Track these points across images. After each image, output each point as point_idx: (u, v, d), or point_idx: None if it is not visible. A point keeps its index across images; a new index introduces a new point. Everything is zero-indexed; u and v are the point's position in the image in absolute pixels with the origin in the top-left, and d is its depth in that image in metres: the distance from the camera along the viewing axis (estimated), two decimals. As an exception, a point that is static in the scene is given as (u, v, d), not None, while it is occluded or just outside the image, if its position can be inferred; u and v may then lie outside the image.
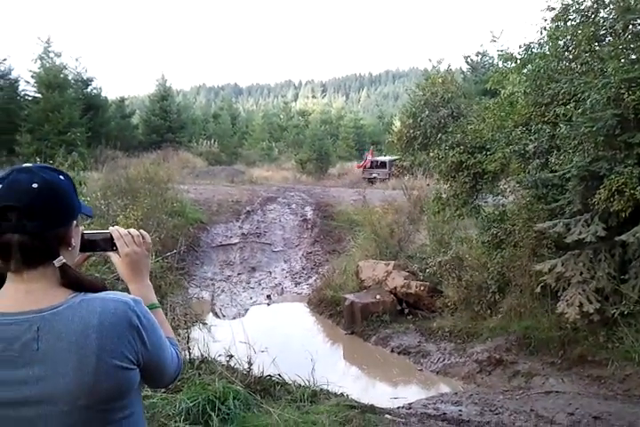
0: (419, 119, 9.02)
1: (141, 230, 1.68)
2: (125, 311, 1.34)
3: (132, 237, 1.63)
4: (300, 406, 4.65)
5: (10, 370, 1.27)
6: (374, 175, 25.28)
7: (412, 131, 9.12)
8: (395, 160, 23.76)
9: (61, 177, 1.39)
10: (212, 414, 4.05)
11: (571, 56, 8.39)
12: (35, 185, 1.31)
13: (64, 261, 1.37)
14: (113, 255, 1.63)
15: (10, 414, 1.29)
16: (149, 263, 1.70)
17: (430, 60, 51.37)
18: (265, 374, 5.14)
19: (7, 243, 1.30)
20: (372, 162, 26.54)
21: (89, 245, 1.55)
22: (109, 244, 1.61)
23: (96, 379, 1.27)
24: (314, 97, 61.86)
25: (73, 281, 1.38)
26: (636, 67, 6.75)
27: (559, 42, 8.36)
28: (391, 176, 23.75)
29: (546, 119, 7.95)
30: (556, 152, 7.41)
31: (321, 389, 5.18)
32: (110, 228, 1.63)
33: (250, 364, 5.14)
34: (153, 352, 1.40)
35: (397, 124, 37.89)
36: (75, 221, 1.43)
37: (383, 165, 25.78)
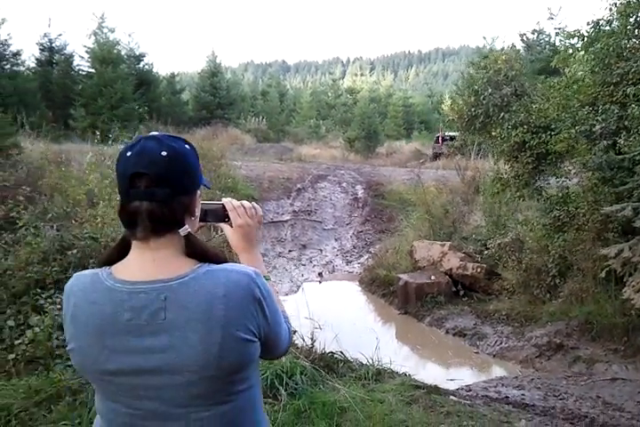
0: (481, 97, 8.80)
1: (253, 203, 1.67)
2: (249, 284, 1.33)
3: (244, 209, 1.63)
4: (365, 384, 4.65)
5: (138, 338, 1.28)
6: (443, 150, 24.47)
7: (473, 109, 8.91)
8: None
9: (187, 146, 1.38)
10: (281, 388, 4.08)
11: (642, 33, 8.06)
12: (164, 153, 1.31)
13: (189, 230, 1.36)
14: (225, 226, 1.64)
15: (135, 382, 1.30)
16: (261, 235, 1.69)
17: (485, 37, 50.12)
18: (327, 351, 5.15)
19: (135, 210, 1.30)
20: (443, 137, 25.91)
21: (202, 215, 1.54)
22: (222, 215, 1.61)
23: (221, 350, 1.27)
24: (362, 75, 61.17)
25: (198, 251, 1.37)
26: None
27: (630, 19, 8.02)
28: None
29: (614, 99, 7.67)
30: (624, 133, 7.15)
31: (384, 368, 5.16)
32: (223, 199, 1.62)
33: (312, 340, 5.15)
34: (272, 325, 1.40)
35: (448, 102, 37.39)
36: (198, 191, 1.41)
37: (452, 139, 25.21)
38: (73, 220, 6.75)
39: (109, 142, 11.07)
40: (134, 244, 1.35)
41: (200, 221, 1.53)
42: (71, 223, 6.59)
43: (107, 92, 24.09)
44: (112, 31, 26.64)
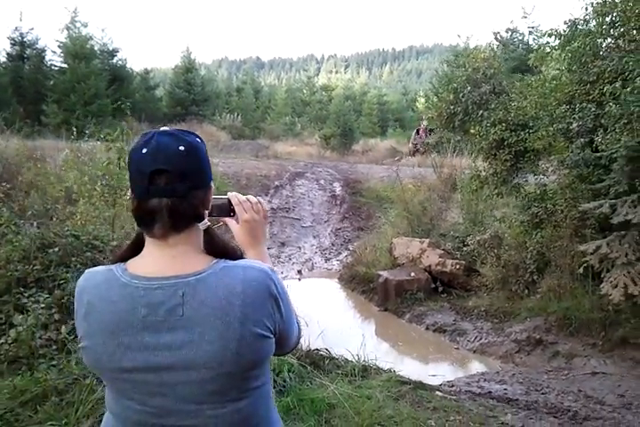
0: (460, 95, 8.87)
1: (259, 197, 1.66)
2: (265, 280, 1.33)
3: (250, 204, 1.61)
4: (352, 381, 4.67)
5: (154, 335, 1.28)
6: (423, 141, 24.27)
7: (452, 107, 8.99)
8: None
9: (198, 140, 1.39)
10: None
11: (617, 33, 8.18)
12: (182, 148, 1.31)
13: (209, 224, 1.37)
14: (231, 221, 1.62)
15: (151, 379, 1.29)
16: (267, 231, 1.69)
17: (459, 36, 50.48)
18: (313, 348, 5.16)
19: (154, 207, 1.29)
20: (425, 129, 25.55)
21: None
22: (227, 210, 1.60)
23: (239, 346, 1.27)
24: (337, 72, 61.43)
25: (217, 246, 1.39)
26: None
27: (606, 18, 8.15)
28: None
29: (590, 98, 7.78)
30: (601, 131, 7.26)
31: (369, 364, 5.19)
32: (229, 193, 1.62)
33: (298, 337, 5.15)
34: (286, 321, 1.41)
35: (422, 100, 37.57)
36: (212, 184, 1.41)
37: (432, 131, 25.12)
38: (53, 217, 6.66)
39: (85, 139, 10.93)
40: (150, 241, 1.35)
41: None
42: (51, 221, 6.50)
43: (80, 87, 23.81)
44: (85, 26, 26.35)
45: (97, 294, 1.33)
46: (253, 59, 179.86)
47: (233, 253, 1.40)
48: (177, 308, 1.27)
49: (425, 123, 26.00)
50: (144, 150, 1.30)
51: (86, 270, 1.42)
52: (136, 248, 1.38)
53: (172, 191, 1.28)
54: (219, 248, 1.38)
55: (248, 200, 1.62)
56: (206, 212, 1.42)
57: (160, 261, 1.32)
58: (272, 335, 1.35)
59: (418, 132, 26.68)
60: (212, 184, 1.43)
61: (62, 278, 4.95)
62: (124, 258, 1.39)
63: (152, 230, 1.32)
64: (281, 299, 1.36)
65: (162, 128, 1.38)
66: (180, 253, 1.33)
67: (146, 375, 1.29)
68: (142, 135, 1.36)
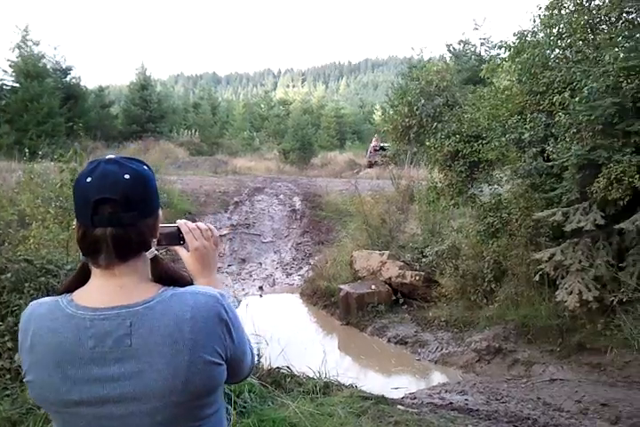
0: (414, 108, 9.00)
1: (209, 224, 1.64)
2: (215, 305, 1.31)
3: (200, 231, 1.58)
4: (313, 398, 4.63)
5: (101, 367, 1.24)
6: (377, 159, 24.87)
7: (407, 120, 9.11)
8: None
9: (145, 167, 1.36)
10: (229, 407, 4.01)
11: (564, 44, 8.41)
12: (127, 176, 1.28)
13: (156, 252, 1.34)
14: (181, 250, 1.59)
15: (99, 412, 1.26)
16: (217, 258, 1.66)
17: (413, 48, 51.29)
18: (274, 367, 5.11)
19: (99, 237, 1.26)
20: (375, 148, 26.42)
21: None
22: (177, 238, 1.56)
23: (189, 374, 1.24)
24: (294, 86, 61.65)
25: (165, 274, 1.36)
26: (633, 55, 6.78)
27: (553, 30, 8.37)
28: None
29: (541, 108, 7.98)
30: (552, 141, 7.43)
31: (331, 380, 5.16)
32: (178, 221, 1.58)
33: (259, 356, 5.11)
34: (238, 347, 1.38)
35: (379, 113, 37.96)
36: (159, 211, 1.39)
37: (383, 149, 25.65)
38: (4, 242, 6.49)
39: (38, 159, 10.73)
40: (96, 271, 1.32)
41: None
42: (3, 245, 6.33)
43: (32, 107, 23.40)
44: (37, 44, 25.95)
45: (42, 326, 1.29)
46: (210, 74, 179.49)
47: (182, 280, 1.38)
48: (124, 338, 1.24)
49: (374, 142, 26.59)
50: (88, 179, 1.27)
51: (32, 302, 1.38)
52: (82, 278, 1.35)
53: (117, 220, 1.26)
54: (167, 276, 1.36)
55: (198, 227, 1.59)
56: (154, 240, 1.40)
57: (106, 291, 1.30)
58: (223, 362, 1.32)
59: (372, 148, 27.11)
60: (160, 212, 1.40)
61: (15, 305, 4.81)
62: (70, 289, 1.35)
63: (97, 260, 1.29)
64: (232, 324, 1.34)
65: (108, 156, 1.35)
66: (126, 282, 1.30)
67: (94, 408, 1.25)
68: (88, 163, 1.34)
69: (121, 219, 1.26)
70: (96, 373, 1.24)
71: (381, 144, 25.93)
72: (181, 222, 1.58)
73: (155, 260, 1.36)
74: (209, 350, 1.27)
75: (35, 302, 1.37)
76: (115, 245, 1.26)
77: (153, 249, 1.35)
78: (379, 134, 27.19)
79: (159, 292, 1.31)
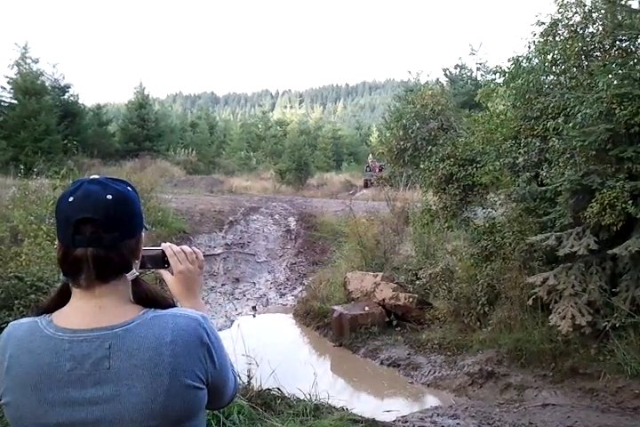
0: (409, 131, 9.07)
1: (194, 247, 1.64)
2: (196, 328, 1.31)
3: (185, 255, 1.58)
4: (303, 421, 4.60)
5: (79, 390, 1.23)
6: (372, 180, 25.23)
7: (402, 142, 9.17)
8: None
9: (129, 188, 1.36)
10: (218, 429, 3.99)
11: (559, 70, 8.50)
12: (109, 196, 1.28)
13: (137, 274, 1.34)
14: (165, 273, 1.59)
15: None
16: (202, 281, 1.66)
17: (409, 71, 51.61)
18: (264, 388, 5.08)
19: (80, 257, 1.26)
20: (375, 167, 26.68)
21: (141, 261, 1.50)
22: (161, 261, 1.56)
23: (168, 398, 1.23)
24: (291, 107, 62.07)
25: (145, 295, 1.35)
26: (626, 82, 6.86)
27: (548, 56, 8.47)
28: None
29: (535, 133, 8.04)
30: (546, 165, 7.48)
31: (322, 403, 5.12)
32: (163, 244, 1.58)
33: (249, 377, 5.08)
34: (220, 371, 1.37)
35: (375, 135, 38.18)
36: (143, 233, 1.39)
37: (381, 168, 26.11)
38: (-4, 258, 6.49)
39: (34, 176, 10.75)
40: (76, 292, 1.31)
41: (139, 267, 1.50)
42: (-6, 262, 6.33)
43: (30, 123, 23.50)
44: (36, 62, 26.20)
45: (20, 347, 1.28)
46: (208, 94, 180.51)
47: (163, 302, 1.37)
48: (103, 360, 1.23)
49: (370, 158, 27.01)
50: (71, 198, 1.28)
51: (10, 323, 1.37)
52: (62, 299, 1.34)
53: (98, 241, 1.26)
54: (148, 297, 1.35)
55: (183, 251, 1.59)
56: (136, 262, 1.40)
57: (86, 312, 1.29)
58: (204, 386, 1.31)
59: (367, 168, 27.81)
60: (143, 234, 1.41)
61: (4, 322, 4.79)
62: (50, 309, 1.34)
63: (78, 281, 1.29)
64: (213, 347, 1.33)
65: (91, 176, 1.35)
66: (106, 303, 1.29)
67: None
68: (72, 183, 1.34)
69: (102, 239, 1.26)
70: (73, 395, 1.23)
71: (381, 164, 26.21)
72: (166, 246, 1.58)
73: (136, 281, 1.35)
74: (189, 373, 1.27)
75: (13, 322, 1.36)
76: (95, 265, 1.26)
77: (134, 271, 1.35)
78: (373, 155, 27.46)
79: (139, 314, 1.30)
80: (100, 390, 1.23)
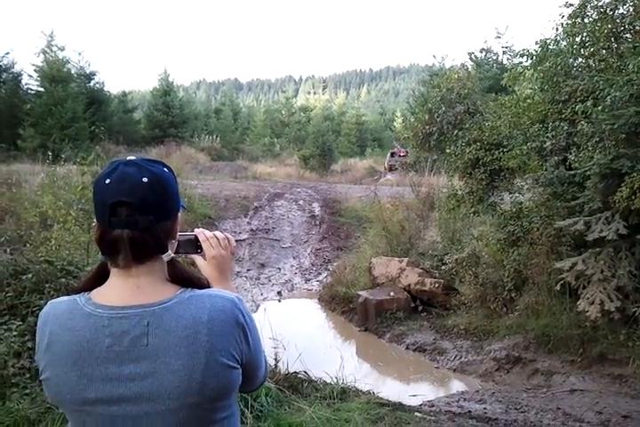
0: (435, 115, 8.98)
1: (226, 233, 1.65)
2: (232, 309, 1.32)
3: (217, 240, 1.59)
4: (330, 404, 4.63)
5: (117, 366, 1.25)
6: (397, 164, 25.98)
7: (427, 127, 9.09)
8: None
9: (165, 170, 1.36)
10: (246, 410, 4.02)
11: (587, 53, 8.34)
12: (145, 179, 1.28)
13: (172, 255, 1.35)
14: (197, 258, 1.60)
15: (114, 411, 1.26)
16: (233, 266, 1.67)
17: (434, 56, 51.12)
18: (291, 372, 5.11)
19: (116, 238, 1.27)
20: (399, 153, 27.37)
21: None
22: (194, 246, 1.57)
23: (204, 377, 1.25)
24: (315, 93, 61.87)
25: (181, 276, 1.36)
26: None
27: (576, 38, 8.30)
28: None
29: (563, 116, 7.90)
30: (574, 149, 7.36)
31: (348, 386, 5.15)
32: (196, 230, 1.59)
33: (276, 360, 5.12)
34: (253, 353, 1.38)
35: (400, 120, 37.94)
36: (179, 214, 1.40)
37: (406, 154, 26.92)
38: (27, 243, 6.58)
39: (61, 163, 10.87)
40: (114, 271, 1.33)
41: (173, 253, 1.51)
42: (25, 247, 6.42)
43: (57, 111, 23.74)
44: (62, 49, 26.39)
45: (60, 325, 1.30)
46: (232, 80, 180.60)
47: (198, 283, 1.38)
48: (141, 337, 1.25)
49: (395, 144, 27.34)
50: (107, 180, 1.28)
51: (49, 301, 1.39)
52: (100, 277, 1.36)
53: (134, 224, 1.27)
54: (184, 278, 1.36)
55: (215, 236, 1.60)
56: (173, 241, 1.41)
57: (124, 290, 1.30)
58: (239, 366, 1.32)
59: (392, 154, 28.18)
60: (180, 214, 1.41)
61: (36, 305, 4.86)
62: (88, 287, 1.36)
63: (115, 260, 1.30)
64: (248, 328, 1.34)
65: (128, 157, 1.35)
66: (144, 282, 1.31)
67: (109, 407, 1.26)
68: (109, 164, 1.34)
69: (137, 222, 1.27)
70: (112, 371, 1.25)
71: (405, 149, 26.52)
72: (199, 231, 1.59)
73: (171, 262, 1.36)
74: (225, 353, 1.28)
75: (52, 301, 1.38)
76: (131, 247, 1.27)
77: (170, 252, 1.35)
78: (397, 142, 27.74)
79: (177, 293, 1.32)
80: (138, 366, 1.24)
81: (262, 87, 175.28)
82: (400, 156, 26.88)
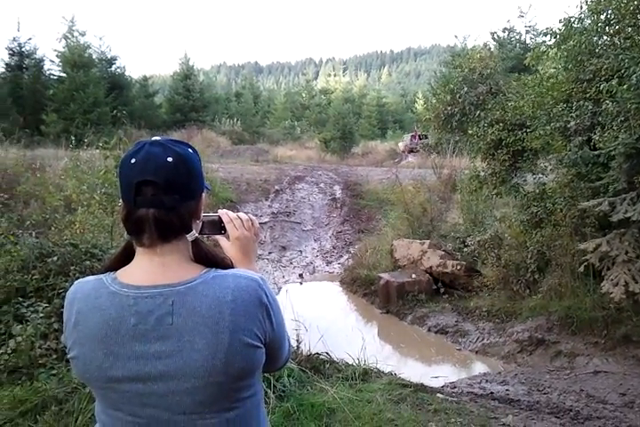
0: (457, 96, 8.87)
1: (249, 214, 1.65)
2: (256, 289, 1.32)
3: (241, 221, 1.60)
4: (352, 385, 4.65)
5: (143, 344, 1.27)
6: (416, 146, 27.03)
7: (449, 108, 8.99)
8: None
9: (190, 150, 1.37)
10: (269, 391, 4.06)
11: (612, 31, 8.16)
12: (170, 159, 1.29)
13: (197, 235, 1.36)
14: (221, 239, 1.61)
15: (140, 389, 1.28)
16: (257, 247, 1.67)
17: (456, 36, 50.52)
18: (313, 353, 5.14)
19: (142, 218, 1.29)
20: (419, 135, 28.16)
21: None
22: (218, 227, 1.58)
23: (228, 356, 1.26)
24: (335, 75, 61.42)
25: (205, 256, 1.37)
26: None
27: (601, 16, 8.13)
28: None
29: (587, 96, 7.76)
30: (599, 129, 7.24)
31: (370, 367, 5.17)
32: (219, 211, 1.60)
33: (298, 341, 5.15)
34: (277, 332, 1.39)
35: (421, 102, 37.60)
36: (203, 194, 1.40)
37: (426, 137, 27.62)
38: (51, 226, 6.66)
39: (84, 147, 10.96)
40: (140, 250, 1.34)
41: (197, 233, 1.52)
42: (50, 230, 6.50)
43: (79, 96, 23.90)
44: (83, 35, 26.49)
45: (86, 303, 1.32)
46: (252, 64, 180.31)
47: (222, 263, 1.39)
48: (166, 316, 1.26)
49: (418, 129, 27.94)
50: (133, 160, 1.29)
51: (76, 281, 1.41)
52: (125, 257, 1.38)
53: (160, 203, 1.28)
54: (208, 258, 1.37)
55: (239, 217, 1.61)
56: (197, 221, 1.41)
57: (150, 269, 1.32)
58: (262, 345, 1.33)
59: (412, 137, 28.87)
60: (204, 195, 1.41)
61: (61, 287, 4.94)
62: (114, 267, 1.38)
63: (141, 239, 1.32)
64: (272, 308, 1.35)
65: (154, 138, 1.36)
66: (169, 261, 1.32)
67: (135, 385, 1.28)
68: (135, 144, 1.35)
69: (162, 201, 1.28)
70: (138, 350, 1.26)
71: (423, 133, 27.37)
72: (223, 212, 1.60)
73: (196, 242, 1.37)
74: (248, 332, 1.29)
75: (79, 280, 1.40)
76: (157, 226, 1.29)
77: (194, 232, 1.36)
78: (418, 124, 28.14)
79: (201, 273, 1.32)
80: (163, 345, 1.26)
81: (282, 70, 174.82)
82: (421, 138, 27.37)
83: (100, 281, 1.34)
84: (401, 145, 29.79)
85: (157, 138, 1.36)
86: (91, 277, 1.39)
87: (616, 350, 6.61)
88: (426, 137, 26.86)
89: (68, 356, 1.35)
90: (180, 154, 1.32)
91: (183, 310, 1.26)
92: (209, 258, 1.37)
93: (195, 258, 1.36)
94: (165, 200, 1.28)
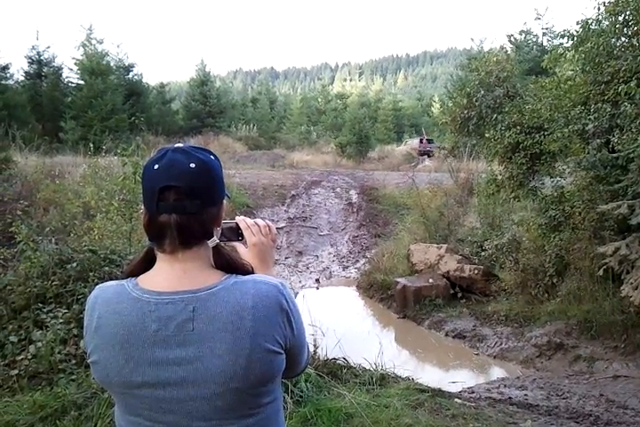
0: (474, 99, 8.84)
1: (267, 221, 1.65)
2: (277, 295, 1.32)
3: (258, 228, 1.61)
4: (370, 390, 4.64)
5: (164, 350, 1.27)
6: (428, 149, 28.85)
7: (466, 111, 8.96)
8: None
9: (212, 157, 1.38)
10: (286, 396, 4.06)
11: (631, 32, 8.10)
12: (192, 165, 1.30)
13: (218, 241, 1.36)
14: (239, 245, 1.61)
15: (160, 395, 1.28)
16: (274, 254, 1.67)
17: (472, 39, 50.26)
18: (330, 358, 5.13)
19: (164, 223, 1.29)
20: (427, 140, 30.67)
21: None
22: (235, 233, 1.58)
23: (249, 362, 1.26)
24: (351, 80, 61.58)
25: (226, 262, 1.38)
26: None
27: (619, 17, 8.07)
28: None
29: (605, 98, 7.70)
30: (617, 131, 7.18)
31: (387, 372, 5.15)
32: (237, 217, 1.61)
33: (315, 346, 5.14)
34: (297, 338, 1.38)
35: (438, 105, 37.51)
36: (224, 201, 1.42)
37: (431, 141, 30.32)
38: (71, 233, 6.72)
39: (103, 154, 11.06)
40: (161, 256, 1.35)
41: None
42: (69, 236, 6.56)
43: (97, 103, 24.07)
44: (100, 42, 26.67)
45: (108, 309, 1.33)
46: (268, 69, 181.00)
47: (242, 269, 1.39)
48: (187, 322, 1.27)
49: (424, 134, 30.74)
50: (156, 166, 1.31)
51: (97, 286, 1.42)
52: (147, 263, 1.38)
53: (182, 208, 1.29)
54: (229, 264, 1.38)
55: (256, 224, 1.62)
56: (217, 229, 1.42)
57: (171, 275, 1.32)
58: (282, 351, 1.33)
59: (421, 140, 30.76)
60: (225, 202, 1.42)
61: (80, 293, 4.98)
62: (135, 273, 1.39)
63: (162, 245, 1.32)
64: (292, 314, 1.35)
65: (176, 145, 1.38)
66: (190, 267, 1.33)
67: (155, 391, 1.28)
68: (157, 151, 1.37)
69: (185, 207, 1.28)
70: (159, 355, 1.27)
71: (428, 138, 29.93)
72: (240, 219, 1.61)
73: (216, 248, 1.38)
74: (269, 338, 1.29)
75: (100, 285, 1.41)
76: (178, 231, 1.29)
77: (215, 238, 1.37)
78: (436, 127, 29.60)
79: (222, 279, 1.33)
80: (184, 351, 1.26)
81: (298, 75, 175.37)
82: (429, 141, 29.51)
83: (122, 287, 1.35)
84: (404, 149, 31.22)
85: (180, 145, 1.37)
86: (112, 282, 1.39)
87: (636, 355, 6.54)
88: (432, 141, 29.24)
89: (89, 360, 1.36)
90: (202, 160, 1.33)
91: (204, 316, 1.26)
92: (230, 264, 1.37)
93: (216, 264, 1.37)
94: (187, 205, 1.29)
